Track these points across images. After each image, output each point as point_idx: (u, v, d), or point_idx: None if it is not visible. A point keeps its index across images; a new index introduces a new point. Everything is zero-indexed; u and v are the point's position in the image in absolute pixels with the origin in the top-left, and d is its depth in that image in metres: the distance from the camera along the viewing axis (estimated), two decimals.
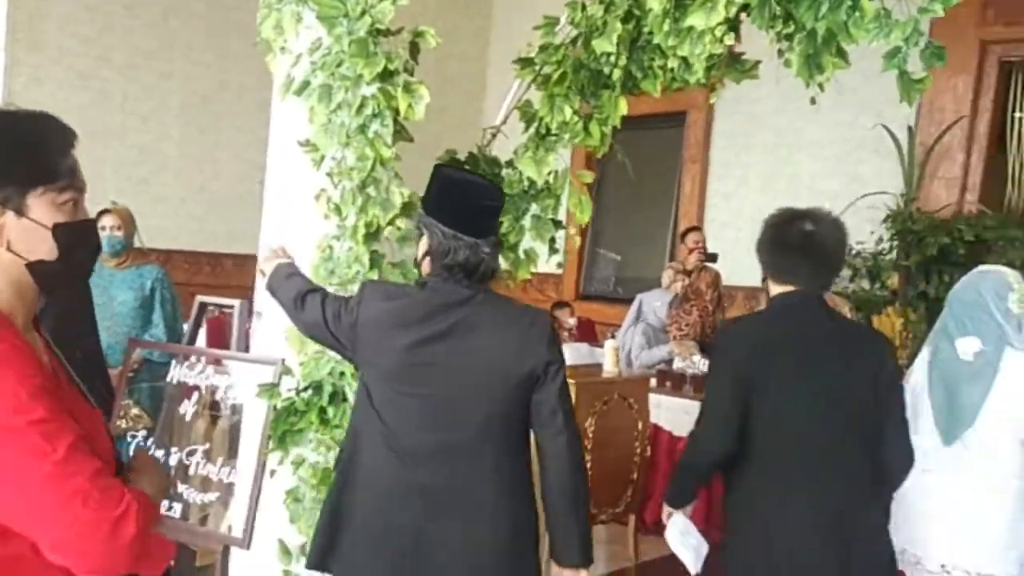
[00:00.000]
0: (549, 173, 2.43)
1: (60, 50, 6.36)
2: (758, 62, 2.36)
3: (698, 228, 5.74)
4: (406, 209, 2.21)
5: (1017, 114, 5.80)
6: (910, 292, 5.49)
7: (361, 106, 2.18)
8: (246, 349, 2.46)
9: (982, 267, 2.49)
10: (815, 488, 2.00)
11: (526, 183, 2.54)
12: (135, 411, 3.46)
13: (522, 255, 2.51)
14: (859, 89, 6.17)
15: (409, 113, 2.17)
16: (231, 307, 2.42)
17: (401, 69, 2.20)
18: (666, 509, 2.25)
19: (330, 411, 2.20)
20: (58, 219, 1.26)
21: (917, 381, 2.35)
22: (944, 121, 5.86)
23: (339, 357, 2.23)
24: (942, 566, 2.22)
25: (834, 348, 2.10)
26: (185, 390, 2.46)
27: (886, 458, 2.05)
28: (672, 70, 2.30)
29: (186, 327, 3.18)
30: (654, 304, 5.09)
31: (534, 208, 2.46)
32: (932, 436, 2.27)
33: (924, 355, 2.43)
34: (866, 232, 5.86)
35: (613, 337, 4.61)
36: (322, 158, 2.29)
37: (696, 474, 2.22)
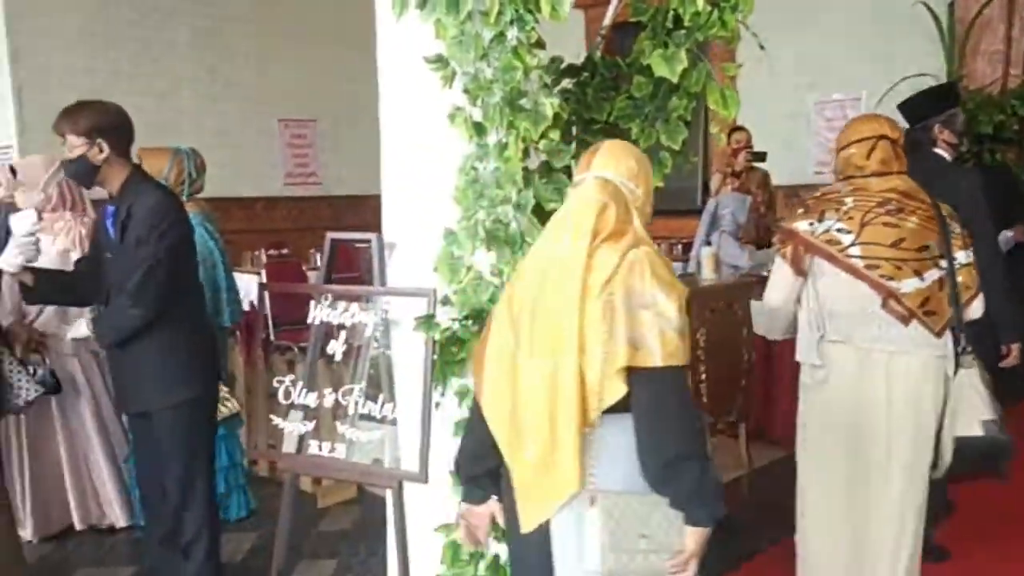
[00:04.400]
0: (683, 70, 2.32)
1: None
2: None
3: (742, 128, 5.61)
4: (557, 120, 2.11)
5: None
6: None
7: (499, 13, 2.05)
8: (383, 283, 2.38)
9: None
10: None
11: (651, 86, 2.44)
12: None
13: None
14: None
15: (553, 16, 2.04)
16: (366, 242, 2.33)
17: None
18: None
19: None
20: None
21: None
22: None
23: (499, 281, 2.16)
24: None
25: None
26: (330, 330, 2.40)
27: None
28: None
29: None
30: (729, 208, 4.98)
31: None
32: None
33: None
34: None
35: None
36: (453, 74, 2.17)
37: None
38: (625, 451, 1.59)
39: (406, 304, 2.27)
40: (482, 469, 1.79)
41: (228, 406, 3.51)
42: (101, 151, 2.63)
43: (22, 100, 5.88)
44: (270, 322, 4.42)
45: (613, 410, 1.59)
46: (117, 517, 3.68)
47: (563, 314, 1.59)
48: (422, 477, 2.19)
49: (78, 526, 3.64)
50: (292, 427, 2.41)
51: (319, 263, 6.85)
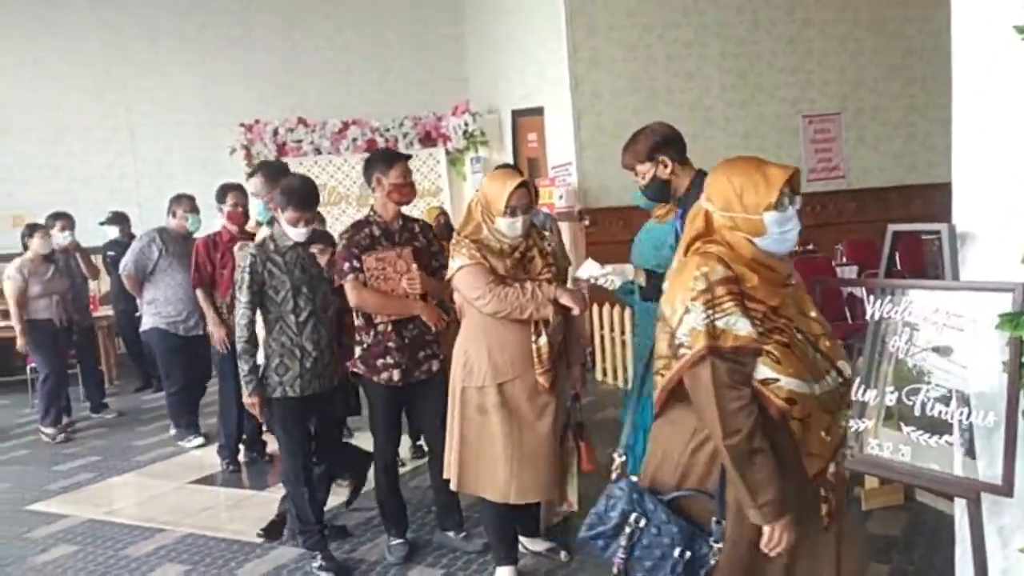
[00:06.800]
0: None
1: (609, 27, 6.87)
2: None
3: None
4: None
5: None
6: None
7: None
8: (955, 277, 2.22)
9: None
10: None
11: None
12: None
13: None
14: None
15: None
16: (934, 233, 2.20)
17: None
18: None
19: None
20: None
21: None
22: None
23: None
24: None
25: None
26: (891, 326, 2.33)
27: None
28: None
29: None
30: None
31: None
32: None
33: None
34: None
35: None
36: None
37: None
38: None
39: (985, 300, 2.09)
40: None
41: None
42: (666, 166, 2.92)
43: (580, 123, 6.79)
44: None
45: None
46: None
47: None
48: (1006, 489, 2.00)
49: None
50: (850, 424, 2.38)
51: (843, 258, 6.66)
